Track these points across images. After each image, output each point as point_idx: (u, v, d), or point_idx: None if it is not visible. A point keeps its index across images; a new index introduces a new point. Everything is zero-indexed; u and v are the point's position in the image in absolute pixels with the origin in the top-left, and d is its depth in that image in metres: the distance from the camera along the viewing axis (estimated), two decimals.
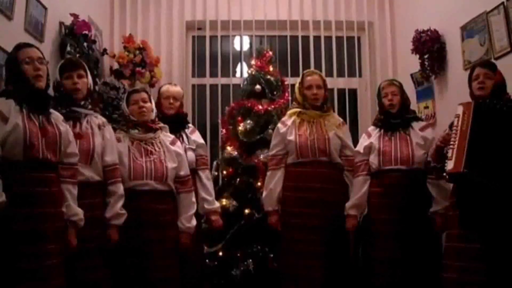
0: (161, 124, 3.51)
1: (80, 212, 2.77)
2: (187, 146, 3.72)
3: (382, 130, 3.70)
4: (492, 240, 2.80)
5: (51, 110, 2.75)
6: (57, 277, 2.55)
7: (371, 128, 3.82)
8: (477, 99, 3.04)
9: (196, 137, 3.90)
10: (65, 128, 2.76)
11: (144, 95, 3.44)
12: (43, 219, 2.53)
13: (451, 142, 2.96)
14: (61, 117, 2.79)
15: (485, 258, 2.79)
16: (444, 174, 2.99)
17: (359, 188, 3.64)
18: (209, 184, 3.83)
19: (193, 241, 3.51)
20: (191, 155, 3.72)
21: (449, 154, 2.94)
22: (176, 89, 3.88)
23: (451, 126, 3.08)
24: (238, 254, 4.20)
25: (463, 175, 2.87)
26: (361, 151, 3.70)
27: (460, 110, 3.01)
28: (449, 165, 2.92)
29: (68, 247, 2.70)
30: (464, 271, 2.82)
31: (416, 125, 3.68)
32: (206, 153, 3.98)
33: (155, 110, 3.51)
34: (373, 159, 3.63)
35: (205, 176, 3.82)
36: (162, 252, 3.24)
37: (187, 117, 4.05)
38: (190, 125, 3.98)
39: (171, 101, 3.78)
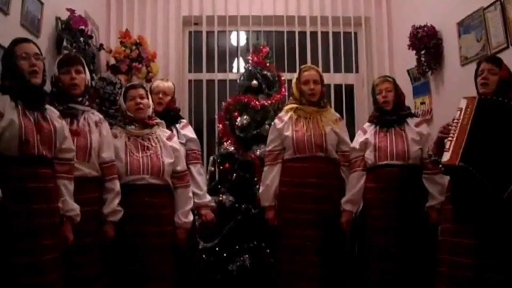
0: (158, 120, 3.51)
1: (76, 207, 2.77)
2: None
3: (377, 126, 3.71)
4: (486, 235, 2.80)
5: (47, 106, 2.75)
6: (54, 272, 2.56)
7: (366, 125, 3.82)
8: (481, 95, 3.01)
9: (188, 131, 3.86)
10: (60, 124, 2.75)
11: (142, 91, 3.43)
12: (39, 215, 2.53)
13: (451, 134, 2.93)
14: (57, 113, 2.79)
15: (477, 253, 2.79)
16: (440, 165, 2.98)
17: (354, 184, 3.65)
18: (200, 179, 3.78)
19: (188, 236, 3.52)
20: (181, 150, 3.72)
21: (447, 146, 2.92)
22: (166, 84, 3.88)
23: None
24: (235, 250, 4.20)
25: (458, 168, 2.87)
26: (357, 147, 3.70)
27: (463, 104, 2.98)
28: (445, 156, 2.90)
29: (64, 242, 2.70)
30: (456, 266, 2.84)
31: (411, 121, 3.69)
32: (198, 147, 3.91)
33: (152, 106, 3.50)
34: (369, 155, 3.64)
35: (196, 171, 3.77)
36: (158, 246, 3.24)
37: (179, 112, 4.04)
38: (182, 120, 3.96)
39: (160, 96, 3.78)
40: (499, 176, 2.77)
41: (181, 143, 3.72)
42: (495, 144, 2.83)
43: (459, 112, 2.97)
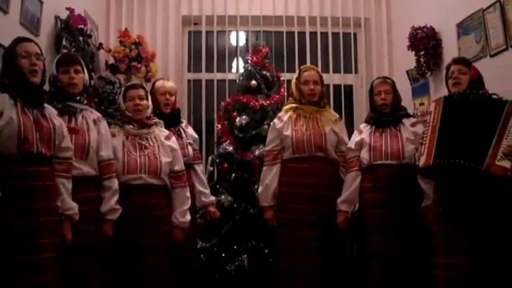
0: (156, 120, 3.49)
1: (75, 206, 2.77)
2: (187, 141, 3.73)
3: (373, 127, 3.70)
4: (475, 232, 2.83)
5: (46, 105, 2.74)
6: (52, 271, 2.55)
7: (362, 125, 3.81)
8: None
9: (191, 131, 3.93)
10: (59, 122, 2.75)
11: (141, 92, 3.41)
12: (38, 213, 2.53)
13: (424, 139, 3.01)
14: (55, 112, 2.79)
15: (471, 252, 2.81)
16: (420, 172, 3.06)
17: (350, 184, 3.64)
18: (204, 178, 3.90)
19: (185, 236, 3.52)
20: (190, 150, 3.73)
21: (421, 151, 2.99)
22: (171, 84, 3.87)
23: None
24: (233, 250, 4.20)
25: (434, 167, 2.90)
26: (353, 147, 3.69)
27: (432, 107, 3.06)
28: (421, 161, 2.97)
29: (63, 241, 2.70)
30: (453, 267, 2.85)
31: (407, 121, 3.68)
32: (198, 146, 4.01)
33: (151, 107, 3.48)
34: (364, 154, 3.62)
35: (200, 170, 3.86)
36: (155, 246, 3.23)
37: (180, 112, 4.05)
38: (182, 119, 3.98)
39: (168, 96, 3.75)
40: (475, 154, 2.81)
41: (190, 143, 3.75)
42: (466, 134, 2.86)
43: (429, 116, 3.05)
